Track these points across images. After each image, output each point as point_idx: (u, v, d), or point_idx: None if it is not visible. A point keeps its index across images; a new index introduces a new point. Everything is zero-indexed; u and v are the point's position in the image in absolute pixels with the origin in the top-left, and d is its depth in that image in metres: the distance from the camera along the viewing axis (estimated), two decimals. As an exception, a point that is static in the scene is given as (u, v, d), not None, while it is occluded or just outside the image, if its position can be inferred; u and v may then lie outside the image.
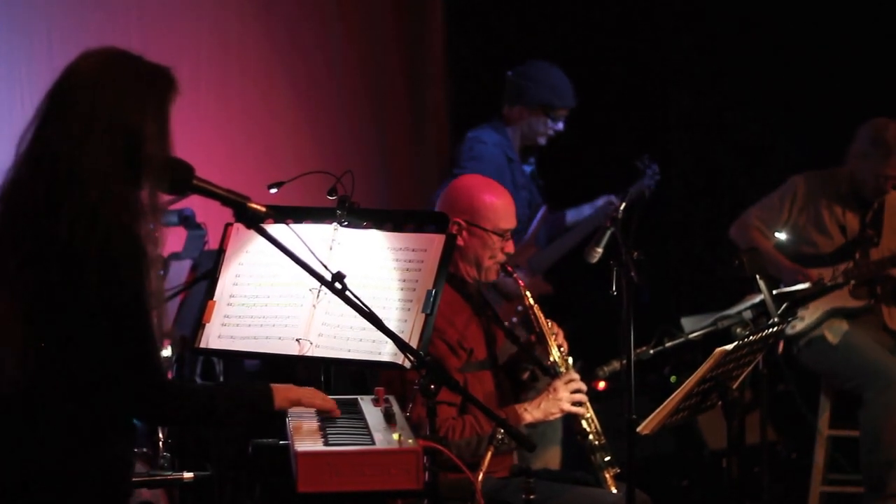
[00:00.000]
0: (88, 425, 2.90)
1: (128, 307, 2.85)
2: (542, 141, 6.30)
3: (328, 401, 3.34)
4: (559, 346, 4.31)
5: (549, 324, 4.33)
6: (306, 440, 3.18)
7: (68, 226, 2.84)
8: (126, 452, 3.02)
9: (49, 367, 2.86)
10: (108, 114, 2.92)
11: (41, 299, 2.85)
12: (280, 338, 3.69)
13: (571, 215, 6.47)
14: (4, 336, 2.86)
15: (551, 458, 6.08)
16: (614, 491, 4.21)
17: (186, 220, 4.80)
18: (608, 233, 4.58)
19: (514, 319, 5.55)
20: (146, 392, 2.92)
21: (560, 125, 6.28)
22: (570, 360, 4.34)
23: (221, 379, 4.63)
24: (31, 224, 2.89)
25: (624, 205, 4.65)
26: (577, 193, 6.63)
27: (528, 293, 4.33)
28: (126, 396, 2.90)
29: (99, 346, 2.85)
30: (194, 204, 4.09)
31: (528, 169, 6.34)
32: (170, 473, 4.14)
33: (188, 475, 4.13)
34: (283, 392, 3.20)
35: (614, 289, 4.37)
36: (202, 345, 3.73)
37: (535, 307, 4.32)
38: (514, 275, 4.36)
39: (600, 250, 4.63)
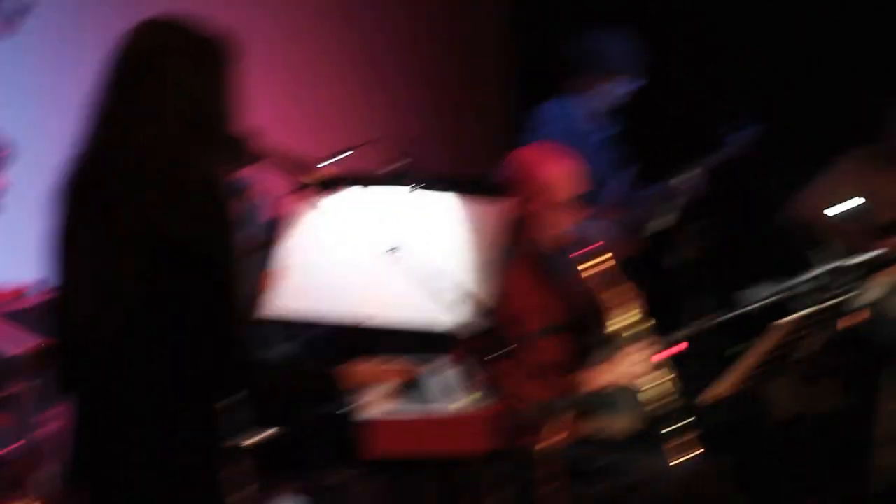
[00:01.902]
0: (177, 398, 2.90)
1: (212, 279, 2.84)
2: (613, 107, 6.23)
3: (397, 374, 3.32)
4: (635, 311, 4.27)
5: (628, 288, 4.28)
6: (377, 405, 3.19)
7: (153, 202, 2.83)
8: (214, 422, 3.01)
9: (148, 333, 2.86)
10: (175, 84, 2.91)
11: (142, 272, 2.84)
12: (343, 305, 3.69)
13: (656, 186, 6.39)
14: (113, 308, 2.86)
15: (623, 423, 6.05)
16: (688, 458, 4.18)
17: (244, 189, 4.80)
18: (679, 201, 4.56)
19: (587, 283, 5.51)
20: (227, 364, 2.90)
21: (629, 89, 6.21)
22: (646, 325, 4.30)
23: (280, 349, 4.66)
24: (122, 195, 2.88)
25: (702, 174, 4.62)
26: (662, 158, 6.54)
27: (605, 256, 4.29)
28: (211, 367, 2.89)
29: (185, 318, 2.85)
30: (255, 171, 4.08)
31: (605, 135, 6.27)
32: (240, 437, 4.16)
33: (261, 438, 4.15)
34: (353, 373, 3.17)
35: (680, 256, 4.36)
36: (263, 314, 3.74)
37: (613, 269, 4.27)
38: (589, 239, 4.32)
39: (670, 218, 4.61)
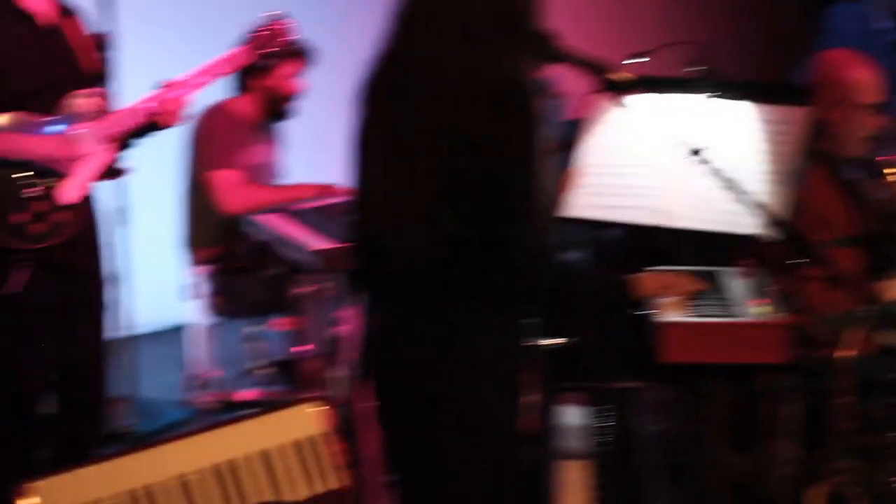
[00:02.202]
0: (476, 299, 2.92)
1: (514, 178, 2.83)
2: None
3: (693, 284, 3.28)
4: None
5: None
6: (672, 311, 3.17)
7: (457, 100, 2.83)
8: (518, 324, 3.03)
9: (448, 235, 2.88)
10: None
11: (451, 168, 2.85)
12: (641, 207, 3.67)
13: None
14: (412, 209, 2.89)
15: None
16: None
17: (545, 89, 4.80)
18: None
19: (887, 192, 5.36)
20: (527, 265, 2.89)
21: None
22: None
23: (576, 251, 4.66)
24: (431, 96, 2.89)
25: None
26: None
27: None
28: (511, 268, 2.89)
29: (485, 218, 2.84)
30: (553, 72, 4.09)
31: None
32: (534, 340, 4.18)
33: (555, 342, 4.17)
34: (646, 281, 3.14)
35: None
36: (563, 213, 3.75)
37: None
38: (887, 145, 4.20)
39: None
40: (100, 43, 4.43)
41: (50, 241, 4.09)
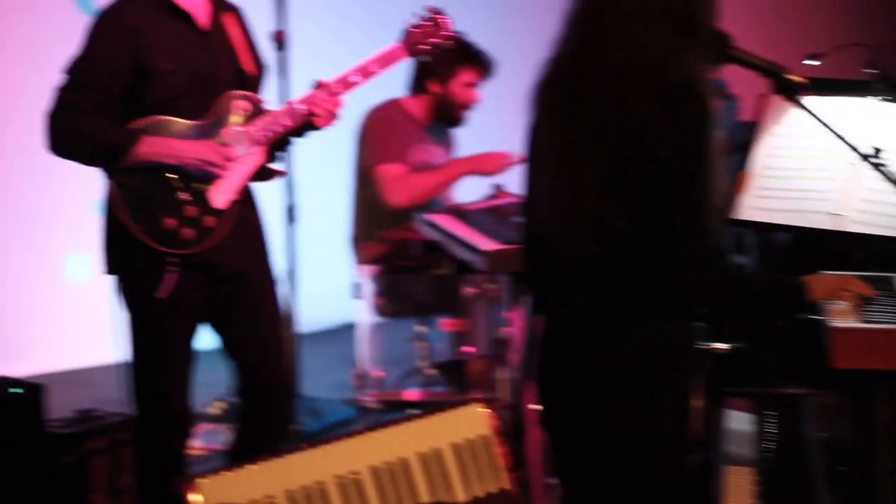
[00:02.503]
0: (645, 301, 2.90)
1: (688, 180, 2.80)
2: None
3: (867, 288, 3.21)
4: None
5: None
6: (842, 317, 3.11)
7: (632, 100, 2.81)
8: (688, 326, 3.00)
9: (617, 237, 2.86)
10: None
11: (617, 167, 2.84)
12: (814, 211, 3.61)
13: None
14: (580, 210, 2.89)
15: None
16: None
17: (719, 91, 4.75)
18: None
19: None
20: (699, 268, 2.86)
21: None
22: None
23: (747, 254, 4.60)
24: (596, 94, 2.89)
25: None
26: None
27: None
28: (682, 270, 2.86)
29: (657, 220, 2.81)
30: (726, 73, 4.05)
31: None
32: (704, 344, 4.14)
33: (724, 346, 4.13)
34: (820, 283, 3.08)
35: None
36: (735, 216, 3.70)
37: None
38: None
39: None
40: (274, 41, 4.44)
41: (201, 246, 4.11)
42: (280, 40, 4.79)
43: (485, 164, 5.63)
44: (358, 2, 8.74)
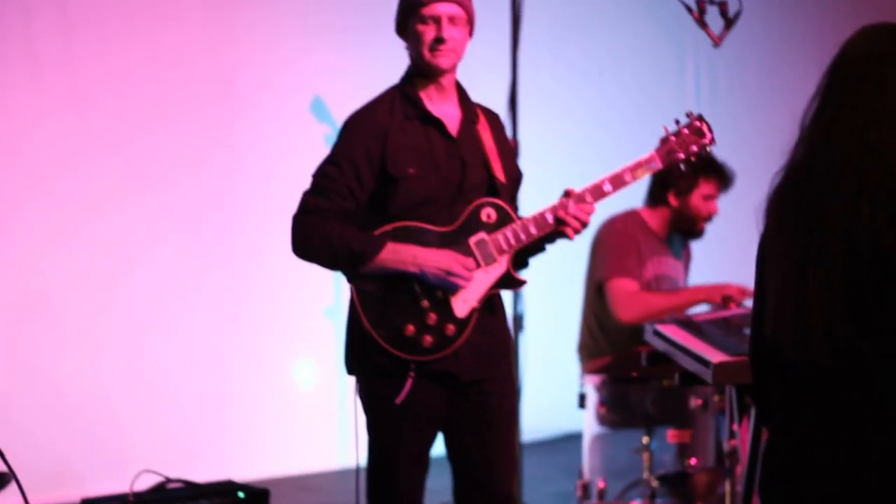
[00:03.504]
0: (880, 408, 2.81)
1: None
2: None
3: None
4: None
5: None
6: None
7: (867, 209, 2.76)
8: None
9: (847, 349, 2.78)
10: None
11: (848, 277, 2.77)
12: None
13: None
14: (809, 321, 2.84)
15: None
16: None
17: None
18: None
19: None
20: None
21: None
22: None
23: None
24: (828, 202, 2.84)
25: None
26: None
27: None
28: None
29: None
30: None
31: None
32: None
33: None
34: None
35: None
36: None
37: None
38: None
39: None
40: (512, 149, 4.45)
41: (440, 353, 4.12)
42: (515, 150, 4.83)
43: (722, 295, 5.59)
44: (587, 112, 8.81)
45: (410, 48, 4.23)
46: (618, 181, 4.21)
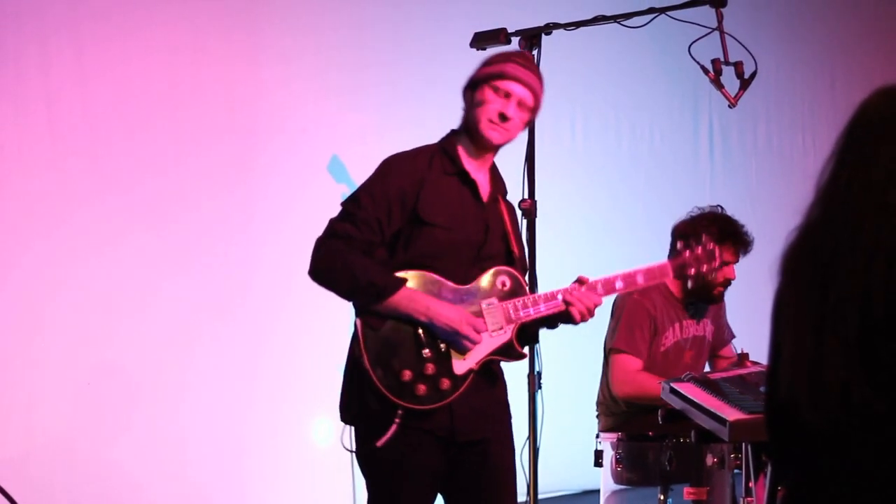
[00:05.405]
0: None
1: None
2: None
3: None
4: None
5: None
6: None
7: (887, 267, 2.78)
8: None
9: (863, 408, 2.77)
10: None
11: (864, 336, 2.77)
12: None
13: None
14: (824, 379, 2.85)
15: None
16: None
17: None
18: None
19: None
20: None
21: None
22: None
23: None
24: (843, 262, 2.85)
25: None
26: None
27: None
28: None
29: None
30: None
31: None
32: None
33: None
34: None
35: None
36: None
37: None
38: None
39: None
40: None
41: (429, 406, 4.14)
42: (531, 210, 4.85)
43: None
44: (600, 182, 8.84)
45: (468, 110, 4.30)
46: (629, 281, 4.33)
